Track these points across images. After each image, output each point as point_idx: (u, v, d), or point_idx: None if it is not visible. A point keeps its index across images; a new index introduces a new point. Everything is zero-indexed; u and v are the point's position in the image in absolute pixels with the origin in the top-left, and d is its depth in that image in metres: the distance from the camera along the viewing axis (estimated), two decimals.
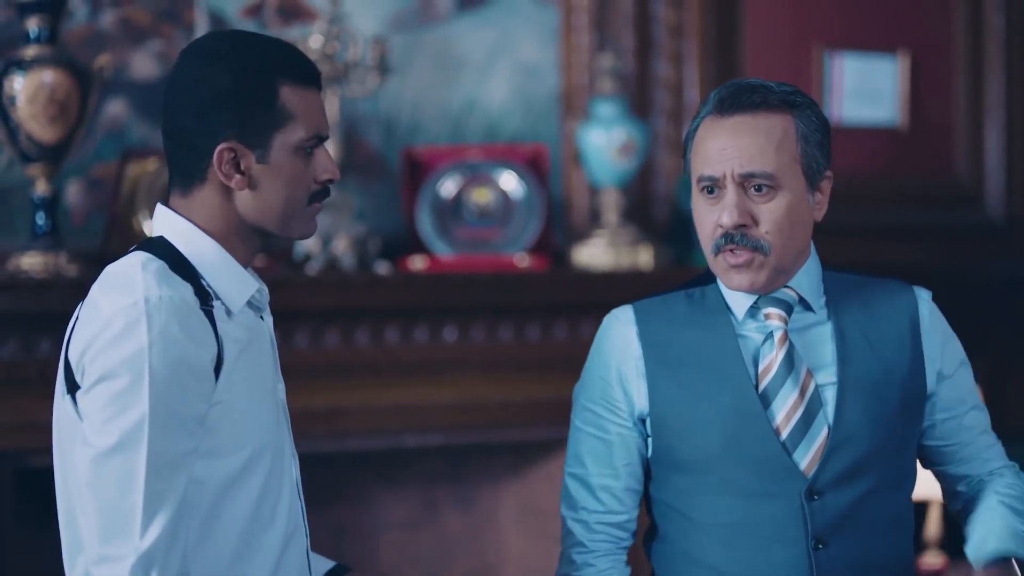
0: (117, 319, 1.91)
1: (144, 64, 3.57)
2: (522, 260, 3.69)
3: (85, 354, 1.94)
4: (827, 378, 2.16)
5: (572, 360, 2.38)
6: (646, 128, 3.85)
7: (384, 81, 3.66)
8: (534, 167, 3.79)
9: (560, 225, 3.93)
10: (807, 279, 2.20)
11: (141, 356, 1.89)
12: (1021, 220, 4.44)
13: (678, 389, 2.19)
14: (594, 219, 3.91)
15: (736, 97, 2.14)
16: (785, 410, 2.14)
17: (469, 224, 3.76)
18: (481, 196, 3.78)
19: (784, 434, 2.14)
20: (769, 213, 2.11)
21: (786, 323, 2.17)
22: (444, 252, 3.69)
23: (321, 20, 3.62)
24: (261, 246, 2.10)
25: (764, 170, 2.11)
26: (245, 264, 2.07)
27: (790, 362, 2.15)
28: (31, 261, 3.23)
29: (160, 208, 2.07)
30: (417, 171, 3.76)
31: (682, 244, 3.86)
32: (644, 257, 3.79)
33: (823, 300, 2.21)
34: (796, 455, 2.13)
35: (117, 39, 3.55)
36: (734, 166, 2.11)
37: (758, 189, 2.12)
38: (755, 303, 2.19)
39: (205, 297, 1.98)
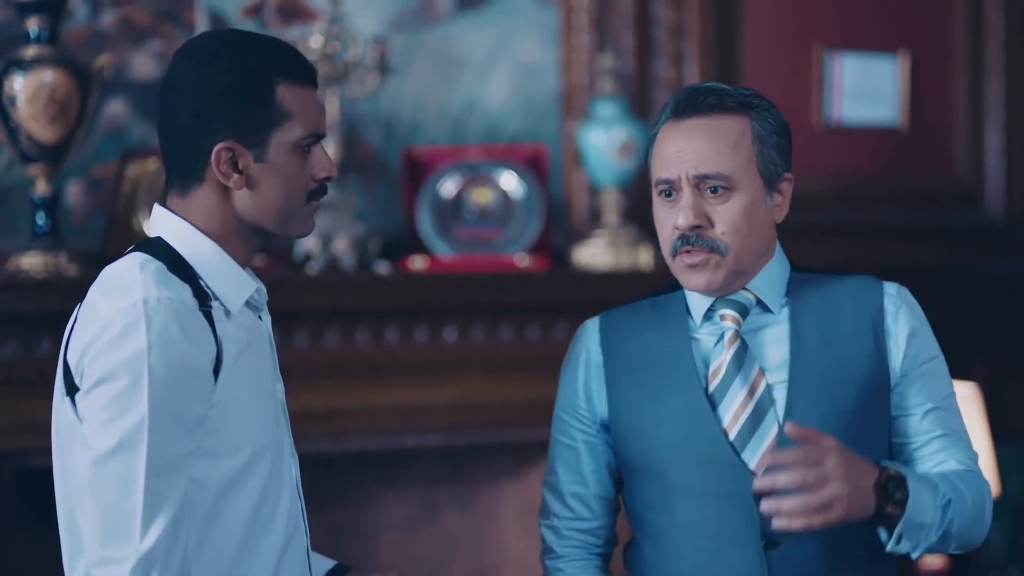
0: (116, 321, 1.91)
1: (144, 64, 3.57)
2: (522, 260, 3.69)
3: (84, 356, 1.93)
4: (779, 377, 2.15)
5: None
6: (646, 128, 3.85)
7: (384, 81, 3.65)
8: (534, 167, 3.79)
9: (560, 225, 3.93)
10: (767, 281, 2.19)
11: (140, 358, 1.89)
12: (1021, 220, 4.44)
13: (634, 393, 2.21)
14: (594, 219, 3.90)
15: (691, 100, 2.15)
16: (733, 410, 2.14)
17: (469, 224, 3.76)
18: (481, 196, 3.77)
19: (732, 434, 2.13)
20: (725, 214, 2.12)
21: (739, 324, 2.17)
22: (444, 252, 3.69)
23: (321, 20, 3.61)
24: (259, 246, 2.10)
25: (719, 171, 2.11)
26: (243, 264, 2.07)
27: (739, 362, 2.15)
28: (31, 261, 3.23)
29: (158, 209, 2.07)
30: (417, 171, 3.76)
31: None
32: (644, 257, 3.79)
33: (784, 300, 2.20)
34: (745, 454, 2.12)
35: (117, 39, 3.55)
36: (689, 168, 2.12)
37: (714, 191, 2.12)
38: (712, 306, 2.19)
39: (204, 298, 1.98)
